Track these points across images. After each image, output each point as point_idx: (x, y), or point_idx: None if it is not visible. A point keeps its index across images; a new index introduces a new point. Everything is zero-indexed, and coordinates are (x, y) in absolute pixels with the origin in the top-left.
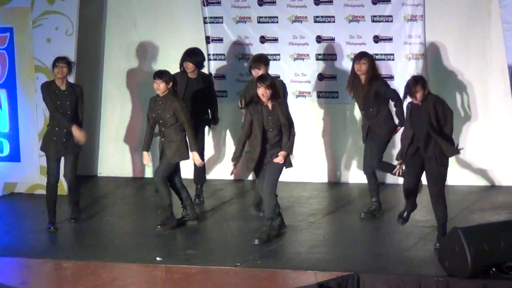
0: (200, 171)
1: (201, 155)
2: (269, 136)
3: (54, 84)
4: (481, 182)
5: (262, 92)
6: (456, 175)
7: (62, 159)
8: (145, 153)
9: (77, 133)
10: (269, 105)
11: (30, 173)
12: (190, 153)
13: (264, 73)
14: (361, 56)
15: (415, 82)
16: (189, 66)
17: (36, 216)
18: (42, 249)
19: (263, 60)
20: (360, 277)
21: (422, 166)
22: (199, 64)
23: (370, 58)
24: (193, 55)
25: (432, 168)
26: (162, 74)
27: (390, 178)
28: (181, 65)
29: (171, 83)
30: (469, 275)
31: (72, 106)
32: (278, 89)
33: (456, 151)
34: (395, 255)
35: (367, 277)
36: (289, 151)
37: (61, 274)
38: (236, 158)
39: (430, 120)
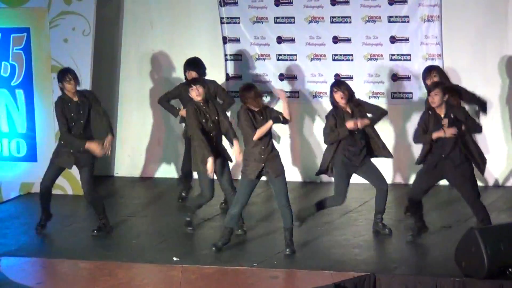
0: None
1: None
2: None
3: (66, 97)
4: (496, 182)
5: (340, 95)
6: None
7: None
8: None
9: (93, 147)
10: (348, 109)
11: None
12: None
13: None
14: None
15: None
16: (193, 75)
17: (52, 216)
18: (58, 249)
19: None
20: (377, 278)
21: (440, 177)
22: (202, 75)
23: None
24: (198, 65)
25: (459, 173)
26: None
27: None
28: (185, 74)
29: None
30: (486, 276)
31: (86, 116)
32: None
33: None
34: (412, 255)
35: (383, 278)
36: None
37: (78, 274)
38: None
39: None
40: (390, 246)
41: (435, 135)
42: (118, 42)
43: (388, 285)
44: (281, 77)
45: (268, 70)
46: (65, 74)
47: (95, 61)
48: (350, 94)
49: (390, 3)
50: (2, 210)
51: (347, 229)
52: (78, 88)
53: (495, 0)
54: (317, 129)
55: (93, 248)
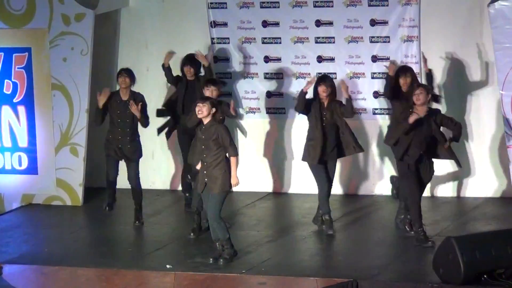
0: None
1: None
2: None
3: (118, 94)
4: (473, 194)
5: (323, 89)
6: (450, 188)
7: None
8: None
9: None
10: (325, 102)
11: (47, 185)
12: None
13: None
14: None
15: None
16: (191, 71)
17: (52, 226)
18: (58, 257)
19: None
20: (359, 284)
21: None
22: (198, 69)
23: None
24: (194, 61)
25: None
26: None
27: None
28: (182, 69)
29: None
30: (462, 282)
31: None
32: None
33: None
34: (392, 262)
35: (365, 284)
36: None
37: (76, 281)
38: None
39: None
40: (371, 254)
41: (411, 118)
42: (115, 61)
43: None
44: (268, 94)
45: (256, 87)
46: (120, 71)
47: (92, 79)
48: (332, 91)
49: (372, 24)
50: (4, 220)
51: (331, 238)
52: None
53: (470, 21)
54: (301, 142)
55: (91, 256)
